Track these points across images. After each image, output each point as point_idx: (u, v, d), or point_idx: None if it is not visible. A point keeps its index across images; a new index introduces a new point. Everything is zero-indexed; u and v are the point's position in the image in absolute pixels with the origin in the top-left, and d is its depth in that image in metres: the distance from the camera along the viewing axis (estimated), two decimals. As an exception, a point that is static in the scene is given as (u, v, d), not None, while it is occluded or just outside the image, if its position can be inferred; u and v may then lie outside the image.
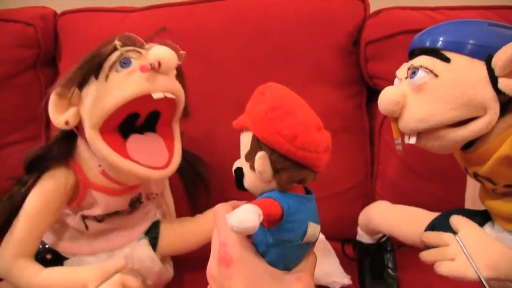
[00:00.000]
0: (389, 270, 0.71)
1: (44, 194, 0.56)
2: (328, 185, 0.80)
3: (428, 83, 0.47)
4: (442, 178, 0.74)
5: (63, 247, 0.62)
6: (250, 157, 0.42)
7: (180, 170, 0.60)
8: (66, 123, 0.54)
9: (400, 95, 0.49)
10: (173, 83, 0.56)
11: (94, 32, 0.84)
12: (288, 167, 0.41)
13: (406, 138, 0.51)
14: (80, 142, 0.58)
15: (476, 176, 0.51)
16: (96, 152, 0.55)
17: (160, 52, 0.53)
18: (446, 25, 0.51)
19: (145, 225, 0.66)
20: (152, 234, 0.66)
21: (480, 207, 0.54)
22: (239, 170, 0.44)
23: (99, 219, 0.61)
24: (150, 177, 0.55)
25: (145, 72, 0.51)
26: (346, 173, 0.81)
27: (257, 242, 0.42)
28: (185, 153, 0.62)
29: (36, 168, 0.57)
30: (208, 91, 0.80)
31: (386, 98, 0.49)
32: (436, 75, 0.47)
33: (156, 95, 0.52)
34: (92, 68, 0.54)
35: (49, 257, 0.61)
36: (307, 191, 0.45)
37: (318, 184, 0.75)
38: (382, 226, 0.65)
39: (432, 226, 0.53)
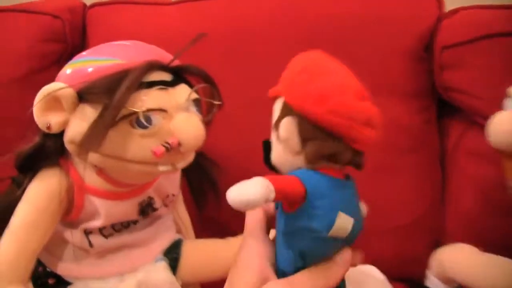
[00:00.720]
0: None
1: (35, 201, 0.50)
2: (389, 215, 0.71)
3: None
4: None
5: (65, 270, 0.54)
6: (277, 125, 0.38)
7: (188, 172, 0.57)
8: (48, 126, 0.47)
9: None
10: (189, 159, 0.51)
11: (125, 26, 0.80)
12: (317, 136, 0.36)
13: None
14: None
15: None
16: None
17: (183, 130, 0.46)
18: None
19: (164, 243, 0.59)
20: (173, 255, 0.58)
21: None
22: (267, 144, 0.40)
23: (106, 234, 0.54)
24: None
25: (159, 157, 0.46)
26: (411, 202, 0.72)
27: (276, 233, 0.40)
28: (199, 155, 0.55)
29: (29, 167, 0.51)
30: (247, 97, 0.73)
31: (501, 127, 0.43)
32: None
33: (163, 168, 0.48)
34: (109, 93, 0.45)
35: (51, 282, 0.54)
36: (348, 178, 0.40)
37: (376, 214, 0.67)
38: (461, 277, 0.55)
39: None
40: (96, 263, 0.55)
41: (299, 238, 0.37)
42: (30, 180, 0.51)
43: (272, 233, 0.42)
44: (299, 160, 0.37)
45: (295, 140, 0.36)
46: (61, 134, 0.48)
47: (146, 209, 0.56)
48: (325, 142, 0.36)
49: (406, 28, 0.71)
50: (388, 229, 0.71)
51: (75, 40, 0.82)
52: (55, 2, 0.83)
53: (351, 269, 0.66)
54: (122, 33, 0.77)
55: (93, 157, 0.47)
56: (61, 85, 0.46)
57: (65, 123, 0.47)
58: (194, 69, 0.51)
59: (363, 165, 0.39)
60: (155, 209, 0.57)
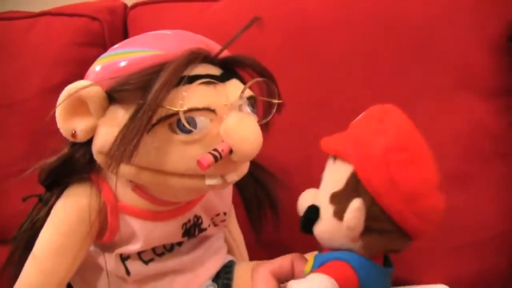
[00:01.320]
0: None
1: (60, 225, 0.45)
2: (468, 229, 0.66)
3: None
4: None
5: None
6: (339, 201, 0.35)
7: (241, 186, 0.54)
8: (73, 134, 0.40)
9: None
10: (243, 171, 0.45)
11: (170, 27, 0.74)
12: (388, 231, 0.35)
13: None
14: None
15: None
16: None
17: (236, 134, 0.39)
18: None
19: (214, 267, 0.54)
20: (223, 281, 0.54)
21: None
22: (314, 211, 0.37)
23: (145, 259, 0.49)
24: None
25: (206, 168, 0.38)
26: (495, 215, 0.66)
27: None
28: (255, 167, 0.50)
29: (55, 183, 0.45)
30: (309, 98, 0.69)
31: None
32: None
33: (211, 182, 0.41)
34: (143, 90, 0.38)
35: None
36: (386, 260, 0.39)
37: (454, 227, 0.65)
38: None
39: None
40: None
41: None
42: (57, 198, 0.46)
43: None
44: (355, 246, 0.35)
45: (360, 229, 0.34)
46: (91, 143, 0.42)
47: (192, 230, 0.50)
48: (393, 239, 0.35)
49: (492, 14, 0.65)
50: (465, 244, 0.66)
51: (116, 43, 0.78)
52: (93, 3, 0.82)
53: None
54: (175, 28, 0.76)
55: (126, 170, 0.40)
56: (86, 83, 0.39)
57: (93, 130, 0.41)
58: (248, 61, 0.43)
59: None
60: (202, 230, 0.51)
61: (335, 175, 0.36)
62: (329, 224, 0.35)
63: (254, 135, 0.39)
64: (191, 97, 0.38)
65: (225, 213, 0.54)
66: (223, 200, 0.53)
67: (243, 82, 0.43)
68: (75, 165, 0.44)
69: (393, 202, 0.33)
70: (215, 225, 0.53)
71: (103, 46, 0.77)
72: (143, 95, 0.37)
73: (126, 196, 0.45)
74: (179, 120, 0.38)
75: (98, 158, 0.42)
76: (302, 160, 0.67)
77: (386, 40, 0.68)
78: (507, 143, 0.67)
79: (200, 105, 0.38)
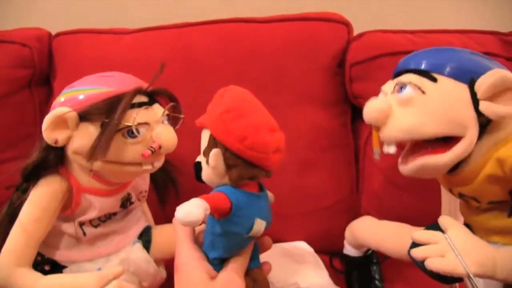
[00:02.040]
0: (376, 282, 0.73)
1: (39, 202, 0.58)
2: (315, 199, 0.82)
3: (415, 98, 0.50)
4: (424, 192, 0.74)
5: (61, 256, 0.63)
6: (206, 153, 0.46)
7: (154, 173, 0.64)
8: (56, 141, 0.56)
9: (386, 104, 0.51)
10: (162, 160, 0.61)
11: (88, 53, 0.86)
12: (239, 165, 0.45)
13: (385, 147, 0.54)
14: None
15: (461, 196, 0.54)
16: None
17: (163, 137, 0.57)
18: (434, 51, 0.54)
19: (138, 230, 0.69)
20: (145, 238, 0.68)
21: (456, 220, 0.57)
22: (198, 164, 0.48)
23: (95, 224, 0.63)
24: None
25: (146, 158, 0.56)
26: (333, 188, 0.83)
27: (207, 231, 0.48)
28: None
29: (33, 176, 0.59)
30: (199, 113, 0.80)
31: (372, 106, 0.52)
32: (423, 92, 0.50)
33: (146, 167, 0.59)
34: (107, 113, 0.56)
35: (48, 268, 0.62)
36: (261, 189, 0.49)
37: (305, 198, 0.80)
38: (367, 241, 0.67)
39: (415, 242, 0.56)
40: (86, 248, 0.63)
41: (225, 237, 0.46)
42: (33, 186, 0.59)
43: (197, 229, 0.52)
44: (224, 180, 0.47)
45: (222, 167, 0.46)
46: (61, 148, 0.58)
47: (126, 203, 0.66)
48: (245, 168, 0.45)
49: (324, 50, 0.82)
50: (314, 210, 0.81)
51: (43, 66, 0.88)
52: (23, 31, 0.88)
53: (287, 244, 0.77)
54: (86, 59, 0.85)
55: (96, 164, 0.56)
56: (67, 109, 0.55)
57: (69, 139, 0.57)
58: (164, 92, 0.62)
59: (271, 174, 0.49)
60: (132, 203, 0.67)
61: (203, 139, 0.49)
62: (205, 170, 0.48)
63: (174, 137, 0.59)
64: (138, 116, 0.56)
65: (146, 191, 0.69)
66: (145, 181, 0.69)
67: (160, 104, 0.61)
68: (49, 162, 0.58)
69: (233, 144, 0.44)
70: (139, 199, 0.68)
71: (33, 68, 0.86)
72: (107, 116, 0.54)
73: (87, 181, 0.60)
74: (129, 130, 0.56)
75: (74, 157, 0.57)
76: (197, 154, 0.81)
77: (250, 69, 0.81)
78: (338, 138, 0.84)
79: (143, 121, 0.57)
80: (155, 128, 0.58)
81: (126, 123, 0.56)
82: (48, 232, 0.60)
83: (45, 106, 0.88)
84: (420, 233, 0.51)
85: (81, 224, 0.62)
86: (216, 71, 0.82)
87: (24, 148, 0.83)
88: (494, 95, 0.48)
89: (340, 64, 0.84)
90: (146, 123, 0.57)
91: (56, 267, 0.63)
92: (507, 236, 0.51)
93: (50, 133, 0.56)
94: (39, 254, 0.61)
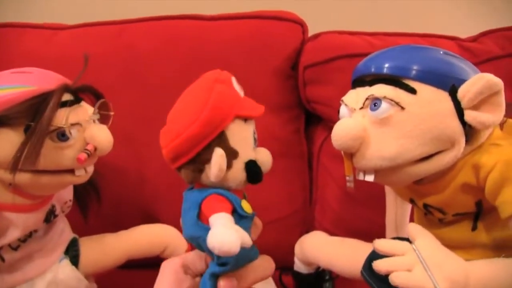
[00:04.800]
0: (329, 300, 0.69)
1: None
2: (266, 211, 0.72)
3: (394, 117, 0.43)
4: (379, 204, 0.72)
5: None
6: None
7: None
8: None
9: (360, 128, 0.44)
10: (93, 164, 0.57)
11: (19, 50, 0.79)
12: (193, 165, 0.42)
13: (360, 175, 0.48)
14: None
15: (426, 207, 0.49)
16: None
17: (98, 138, 0.52)
18: (403, 50, 0.47)
19: (63, 244, 0.62)
20: (72, 253, 0.62)
21: (403, 233, 0.53)
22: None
23: (14, 246, 0.56)
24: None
25: (83, 163, 0.51)
26: (284, 199, 0.80)
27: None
28: None
29: None
30: (140, 115, 0.77)
31: (345, 132, 0.44)
32: (402, 108, 0.43)
33: (79, 173, 0.54)
34: (31, 115, 0.49)
35: None
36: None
37: (255, 209, 0.74)
38: (318, 259, 0.63)
39: (370, 260, 0.51)
40: (5, 275, 0.56)
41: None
42: None
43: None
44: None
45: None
46: None
47: (50, 216, 0.59)
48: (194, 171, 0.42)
49: (276, 50, 0.78)
50: (264, 222, 0.74)
51: None
52: None
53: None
54: (17, 56, 0.78)
55: (22, 176, 0.49)
56: None
57: None
58: (89, 88, 0.56)
59: None
60: (56, 216, 0.61)
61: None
62: None
63: (109, 136, 0.53)
64: (69, 116, 0.50)
65: (70, 200, 0.63)
66: (69, 191, 0.63)
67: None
68: None
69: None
70: (63, 211, 0.63)
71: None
72: (31, 119, 0.47)
73: (5, 197, 0.52)
74: (59, 133, 0.49)
75: None
76: (133, 158, 0.76)
77: (196, 69, 0.68)
78: (290, 145, 0.81)
79: (75, 121, 0.51)
80: (88, 128, 0.52)
81: (57, 125, 0.49)
82: None
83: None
84: (384, 242, 0.45)
85: None
86: (159, 71, 0.78)
87: None
88: (478, 103, 0.43)
89: (293, 66, 0.81)
90: (78, 124, 0.52)
91: None
92: (470, 251, 0.47)
93: None
94: None
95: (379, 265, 0.43)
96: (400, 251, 0.44)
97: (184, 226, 0.43)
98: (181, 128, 0.41)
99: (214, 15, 0.81)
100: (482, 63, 0.72)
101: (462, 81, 0.43)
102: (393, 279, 0.41)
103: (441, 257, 0.43)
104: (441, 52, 0.46)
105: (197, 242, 0.41)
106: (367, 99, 0.45)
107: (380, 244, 0.45)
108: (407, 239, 0.45)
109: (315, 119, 0.83)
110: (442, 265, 0.42)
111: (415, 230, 0.45)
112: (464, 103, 0.43)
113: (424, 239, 0.44)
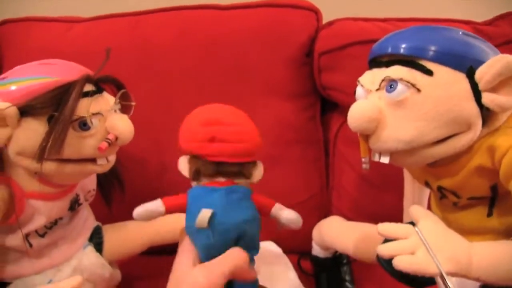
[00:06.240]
0: (347, 283, 0.70)
1: None
2: (283, 197, 0.73)
3: (410, 99, 0.43)
4: (396, 189, 0.72)
5: (4, 273, 0.57)
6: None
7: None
8: None
9: (376, 110, 0.44)
10: (115, 156, 0.58)
11: (37, 43, 0.81)
12: (191, 162, 0.47)
13: (376, 156, 0.47)
14: (7, 155, 0.53)
15: (440, 190, 0.49)
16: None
17: (119, 127, 0.53)
18: (420, 30, 0.47)
19: (87, 232, 0.65)
20: (96, 240, 0.64)
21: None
22: None
23: (41, 233, 0.58)
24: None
25: (104, 152, 0.52)
26: (301, 185, 0.81)
27: None
28: None
29: None
30: (155, 106, 0.78)
31: (361, 114, 0.44)
32: (418, 90, 0.43)
33: (101, 162, 0.55)
34: (54, 105, 0.50)
35: None
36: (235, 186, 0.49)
37: (272, 196, 0.72)
38: (335, 244, 0.64)
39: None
40: (33, 260, 0.58)
41: (190, 236, 0.46)
42: None
43: None
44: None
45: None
46: None
47: (74, 205, 0.61)
48: (194, 163, 0.47)
49: (291, 38, 0.79)
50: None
51: None
52: None
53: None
54: (35, 49, 0.79)
55: (48, 165, 0.50)
56: (6, 104, 0.48)
57: (9, 138, 0.50)
58: (111, 79, 0.57)
59: (251, 174, 0.49)
60: (80, 204, 0.62)
61: None
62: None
63: (130, 126, 0.54)
64: (90, 106, 0.51)
65: (94, 189, 0.64)
66: (92, 180, 0.64)
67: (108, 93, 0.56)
68: None
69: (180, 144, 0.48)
70: (86, 200, 0.63)
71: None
72: (55, 108, 0.48)
73: (32, 186, 0.54)
74: (81, 122, 0.50)
75: (18, 159, 0.51)
76: (152, 147, 0.78)
77: (210, 59, 0.78)
78: (306, 132, 0.81)
79: (97, 111, 0.52)
80: (109, 118, 0.53)
81: (79, 115, 0.50)
82: None
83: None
84: (387, 226, 0.44)
85: (26, 236, 0.56)
86: (175, 61, 0.79)
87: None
88: (497, 85, 0.42)
89: (308, 54, 0.81)
90: (99, 113, 0.52)
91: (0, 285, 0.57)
92: (485, 237, 0.47)
93: None
94: None
95: (383, 250, 0.42)
96: (403, 234, 0.43)
97: (237, 213, 0.46)
98: None
99: (229, 5, 0.81)
100: (498, 46, 0.71)
101: (481, 62, 0.43)
102: (396, 263, 0.41)
103: (444, 238, 0.43)
104: (460, 33, 0.46)
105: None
106: (383, 80, 0.45)
107: (383, 228, 0.44)
108: (412, 223, 0.45)
109: (331, 106, 0.84)
110: (445, 246, 0.41)
111: (418, 212, 0.45)
112: (481, 85, 0.42)
113: (427, 221, 0.44)
